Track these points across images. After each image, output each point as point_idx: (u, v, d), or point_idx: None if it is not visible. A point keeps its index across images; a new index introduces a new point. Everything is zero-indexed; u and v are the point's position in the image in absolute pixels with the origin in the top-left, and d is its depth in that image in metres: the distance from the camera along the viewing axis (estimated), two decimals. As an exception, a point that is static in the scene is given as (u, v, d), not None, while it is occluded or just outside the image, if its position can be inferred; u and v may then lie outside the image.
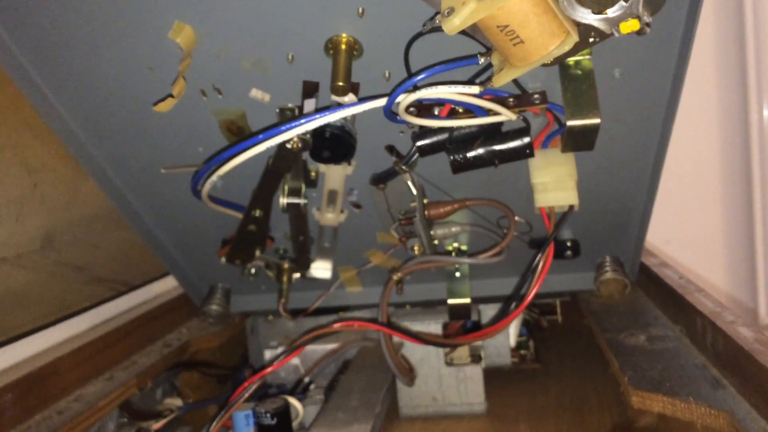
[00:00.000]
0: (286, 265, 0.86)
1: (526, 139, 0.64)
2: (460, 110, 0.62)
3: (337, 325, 0.72)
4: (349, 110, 0.59)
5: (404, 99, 0.57)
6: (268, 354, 0.91)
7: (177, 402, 0.83)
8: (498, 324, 0.72)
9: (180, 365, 0.85)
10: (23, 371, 0.63)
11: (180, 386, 0.86)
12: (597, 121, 0.59)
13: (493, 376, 0.94)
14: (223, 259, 0.80)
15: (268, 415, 0.66)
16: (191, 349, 0.85)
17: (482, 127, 0.64)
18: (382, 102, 0.58)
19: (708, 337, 0.60)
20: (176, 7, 0.58)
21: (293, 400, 0.72)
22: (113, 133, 0.71)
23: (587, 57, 0.60)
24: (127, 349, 0.78)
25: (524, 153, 0.65)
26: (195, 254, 0.87)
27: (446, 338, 0.82)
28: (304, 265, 0.84)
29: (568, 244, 0.79)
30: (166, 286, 0.97)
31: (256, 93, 0.66)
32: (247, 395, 0.68)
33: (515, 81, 0.63)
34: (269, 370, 0.69)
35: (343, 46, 0.61)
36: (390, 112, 0.59)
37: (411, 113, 0.61)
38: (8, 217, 0.76)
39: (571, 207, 0.68)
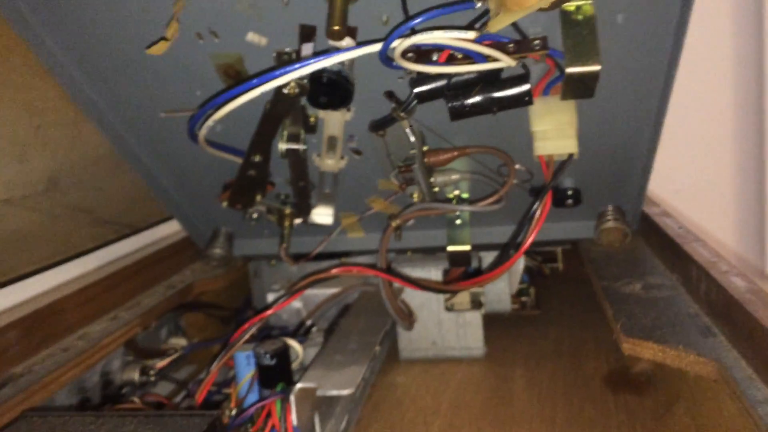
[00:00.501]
0: (287, 211, 0.86)
1: (525, 87, 0.63)
2: (459, 56, 0.61)
3: (335, 270, 0.73)
4: (344, 55, 0.58)
5: (400, 44, 0.57)
6: (270, 297, 0.93)
7: (181, 342, 0.85)
8: (495, 271, 0.73)
9: (184, 306, 0.87)
10: (29, 309, 0.65)
11: (184, 326, 0.88)
12: (597, 68, 0.58)
13: (493, 322, 0.95)
14: (225, 204, 0.81)
15: (268, 355, 0.67)
16: (195, 290, 0.87)
17: (481, 74, 0.63)
18: (377, 47, 0.58)
19: (702, 287, 0.61)
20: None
21: (293, 342, 0.73)
22: (110, 75, 0.71)
23: (589, 2, 0.59)
24: (132, 290, 0.80)
25: (523, 101, 0.64)
26: (197, 198, 0.88)
27: (445, 284, 0.82)
28: (304, 211, 0.84)
29: (569, 192, 0.79)
30: (170, 229, 0.98)
31: (252, 37, 0.65)
32: (247, 336, 0.69)
33: (515, 26, 0.62)
34: (269, 312, 0.71)
35: (341, -12, 0.60)
36: (386, 58, 0.58)
37: (409, 59, 0.60)
38: (12, 159, 0.77)
39: (571, 155, 0.68)
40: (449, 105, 0.65)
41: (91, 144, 0.85)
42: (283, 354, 0.68)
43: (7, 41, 0.72)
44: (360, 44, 0.61)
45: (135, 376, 0.73)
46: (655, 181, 1.23)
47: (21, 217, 0.78)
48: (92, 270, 0.81)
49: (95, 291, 0.73)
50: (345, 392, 0.61)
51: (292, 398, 0.57)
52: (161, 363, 0.76)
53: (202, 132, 0.66)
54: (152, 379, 0.74)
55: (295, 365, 0.74)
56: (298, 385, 0.60)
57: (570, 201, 0.79)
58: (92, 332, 0.69)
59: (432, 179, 0.78)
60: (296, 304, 0.92)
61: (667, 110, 0.70)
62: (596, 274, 0.73)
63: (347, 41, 0.63)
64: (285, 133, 0.74)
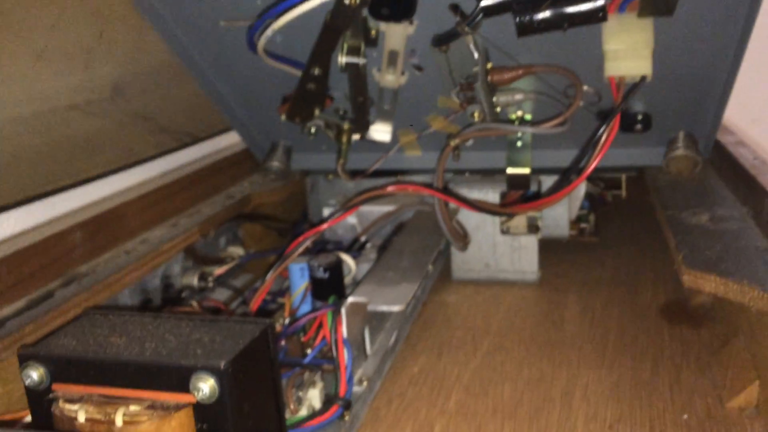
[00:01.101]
0: (345, 126, 0.85)
1: (600, 2, 0.59)
2: (531, -34, 0.58)
3: (391, 188, 0.73)
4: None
5: (468, -50, 0.53)
6: (326, 212, 0.94)
7: (239, 251, 0.87)
8: (554, 195, 0.71)
9: (243, 216, 0.88)
10: (93, 212, 0.67)
11: (242, 236, 0.89)
12: (680, -19, 0.54)
13: (549, 248, 0.93)
14: (283, 117, 0.80)
15: (321, 268, 0.68)
16: (253, 202, 0.88)
17: (554, -15, 0.60)
18: (444, -47, 0.55)
19: (774, 221, 0.58)
20: None
21: (346, 257, 0.74)
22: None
23: None
24: (192, 198, 0.81)
25: (597, 17, 0.60)
26: (257, 110, 0.88)
27: (502, 207, 0.81)
28: (363, 126, 0.83)
29: (639, 117, 0.75)
30: (230, 140, 0.99)
31: (316, -58, 0.63)
32: (301, 249, 0.70)
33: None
34: (324, 226, 0.71)
35: None
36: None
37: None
38: (78, 65, 0.78)
39: (644, 78, 0.64)
40: (517, 20, 0.62)
41: (155, 52, 0.85)
42: (336, 268, 0.69)
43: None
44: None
45: (194, 281, 0.76)
46: (732, 108, 1.17)
47: (86, 123, 0.79)
48: (153, 177, 0.82)
49: (156, 197, 0.75)
50: (395, 308, 0.61)
51: (343, 311, 0.58)
52: (219, 270, 0.78)
53: (261, 42, 0.65)
54: (210, 285, 0.77)
55: (347, 280, 0.75)
56: (350, 299, 0.61)
57: (639, 126, 0.75)
58: (153, 237, 0.71)
59: (494, 98, 0.76)
60: (351, 219, 0.92)
61: (752, 33, 0.65)
62: (661, 203, 0.71)
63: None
64: (345, 46, 0.72)
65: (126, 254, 0.66)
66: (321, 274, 0.68)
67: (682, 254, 0.57)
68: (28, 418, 0.44)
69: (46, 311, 0.52)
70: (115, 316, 0.46)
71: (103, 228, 0.67)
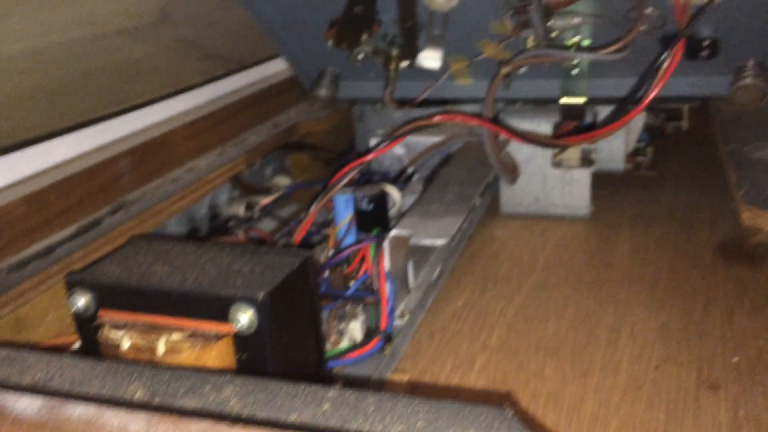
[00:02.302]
0: (394, 52, 0.83)
1: None
2: None
3: (438, 118, 0.71)
4: None
5: None
6: (373, 142, 0.92)
7: (285, 181, 0.87)
8: (609, 126, 0.68)
9: (289, 146, 0.88)
10: (140, 139, 0.67)
11: (289, 166, 0.89)
12: None
13: (603, 181, 0.90)
14: (330, 42, 0.78)
15: (366, 200, 0.68)
16: (300, 131, 0.87)
17: None
18: None
19: None
20: None
21: (391, 188, 0.73)
22: None
23: None
24: (238, 127, 0.81)
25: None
26: (304, 36, 0.86)
27: (554, 139, 0.78)
28: (411, 53, 0.80)
29: (706, 42, 0.70)
30: (277, 67, 0.97)
31: None
32: (346, 180, 0.69)
33: None
34: (369, 157, 0.70)
35: None
36: None
37: None
38: (125, -11, 0.77)
39: (711, 0, 0.59)
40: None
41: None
42: (381, 200, 0.68)
43: None
44: None
45: (240, 210, 0.76)
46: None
47: (133, 48, 0.79)
48: (200, 105, 0.82)
49: (203, 126, 0.75)
50: (438, 242, 0.60)
51: (385, 244, 0.58)
52: (265, 200, 0.78)
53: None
54: (256, 215, 0.77)
55: (393, 212, 0.74)
56: (393, 232, 0.60)
57: (705, 52, 0.71)
58: (199, 166, 0.71)
59: (550, 23, 0.72)
60: (398, 150, 0.91)
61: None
62: (724, 136, 0.67)
63: None
64: (393, -33, 0.69)
65: (172, 182, 0.66)
66: (365, 205, 0.68)
67: (743, 190, 0.54)
68: (78, 343, 0.45)
69: (94, 238, 0.53)
70: (159, 244, 0.47)
71: (149, 155, 0.67)
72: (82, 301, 0.42)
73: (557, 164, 0.83)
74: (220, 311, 0.39)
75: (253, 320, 0.39)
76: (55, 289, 0.49)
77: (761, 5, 0.67)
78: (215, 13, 0.91)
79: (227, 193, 0.76)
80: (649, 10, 0.68)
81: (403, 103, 0.89)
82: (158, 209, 0.61)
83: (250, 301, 0.39)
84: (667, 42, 0.70)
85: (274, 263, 0.43)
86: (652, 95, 0.64)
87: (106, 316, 0.42)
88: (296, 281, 0.43)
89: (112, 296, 0.42)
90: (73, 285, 0.42)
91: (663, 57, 0.62)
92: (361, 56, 0.84)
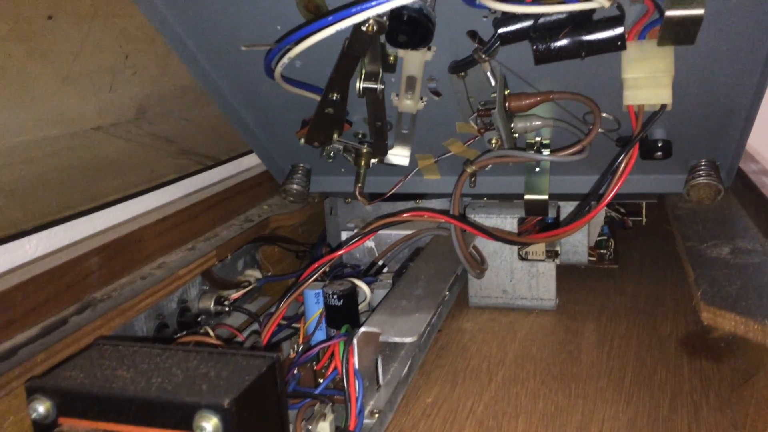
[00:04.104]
0: (364, 150, 0.85)
1: (619, 30, 0.59)
2: (549, -6, 0.57)
3: (406, 215, 0.72)
4: (423, -7, 0.55)
5: (483, -19, 0.53)
6: (344, 235, 0.94)
7: (256, 274, 0.87)
8: (572, 225, 0.70)
9: (261, 239, 0.89)
10: (111, 236, 0.67)
11: (260, 259, 0.90)
12: (700, 12, 0.53)
13: (568, 274, 0.93)
14: (302, 141, 0.81)
15: (335, 296, 0.68)
16: (271, 225, 0.88)
17: (571, 15, 0.59)
18: (459, -16, 0.54)
19: (796, 257, 0.56)
20: None
21: (361, 283, 0.74)
22: (193, 6, 0.70)
23: (698, -63, 0.53)
24: (210, 222, 0.82)
25: (615, 45, 0.60)
26: (277, 133, 0.88)
27: (519, 235, 0.80)
28: (381, 151, 0.83)
29: (659, 144, 0.74)
30: (250, 162, 1.00)
31: (333, -30, 0.63)
32: (315, 276, 0.70)
33: (613, -37, 0.57)
34: (339, 253, 0.71)
35: None
36: (467, -4, 0.55)
37: (494, -4, 0.57)
38: (103, 87, 0.79)
39: (663, 107, 0.63)
40: (534, 48, 0.62)
41: (179, 74, 0.86)
42: (350, 296, 0.69)
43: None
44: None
45: (210, 305, 0.76)
46: (759, 132, 1.14)
47: (109, 145, 0.80)
48: (173, 200, 0.83)
49: (175, 221, 0.76)
50: (407, 340, 0.61)
51: (354, 341, 0.58)
52: (235, 294, 0.78)
53: (278, 69, 0.65)
54: (227, 309, 0.77)
55: (363, 306, 0.75)
56: (362, 329, 0.61)
57: (659, 153, 0.74)
58: (170, 262, 0.71)
59: (512, 125, 0.75)
60: (369, 243, 0.92)
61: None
62: (681, 233, 0.69)
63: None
64: (363, 71, 0.73)
65: (142, 279, 0.66)
66: (335, 301, 0.68)
67: (700, 290, 0.56)
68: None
69: (59, 339, 0.53)
70: (124, 347, 0.47)
71: (120, 253, 0.67)
72: (41, 408, 0.41)
73: (523, 257, 0.85)
74: (185, 419, 0.39)
75: (218, 428, 0.39)
76: (16, 393, 0.48)
77: (710, 110, 0.71)
78: (191, 109, 0.94)
79: (197, 287, 0.76)
80: (605, 115, 0.72)
81: (373, 197, 0.92)
82: (126, 307, 0.61)
83: (215, 408, 0.39)
84: (624, 143, 0.74)
85: (241, 367, 0.43)
86: (610, 196, 0.67)
87: (67, 424, 0.41)
88: (263, 385, 0.43)
89: (73, 403, 0.41)
90: (33, 392, 0.42)
91: (619, 160, 0.66)
92: (332, 153, 0.87)
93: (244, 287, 0.81)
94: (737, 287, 0.56)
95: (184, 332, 0.69)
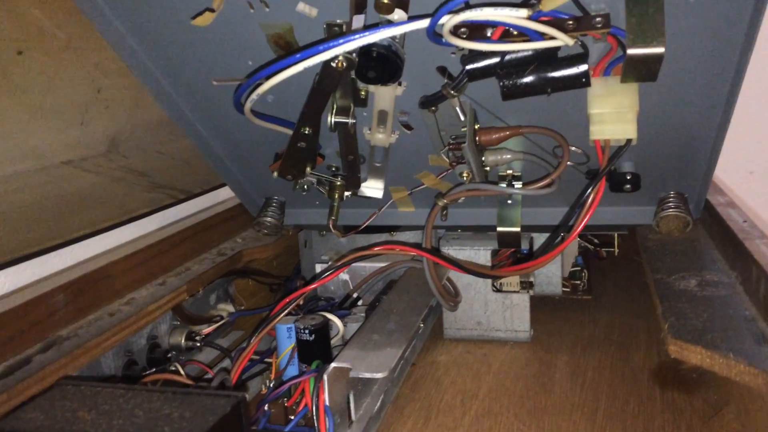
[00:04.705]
0: (338, 182, 0.86)
1: (583, 67, 0.60)
2: (514, 33, 0.58)
3: (378, 248, 0.73)
4: (390, 31, 0.56)
5: (448, 20, 0.54)
6: (318, 268, 0.93)
7: (229, 308, 0.86)
8: (542, 258, 0.71)
9: (234, 273, 0.88)
10: (79, 272, 0.67)
11: (234, 292, 0.89)
12: (661, 50, 0.54)
13: (542, 305, 0.93)
14: (275, 174, 0.81)
15: (307, 331, 0.68)
16: (244, 258, 0.88)
17: (536, 52, 0.60)
18: (424, 23, 0.55)
19: (761, 289, 0.57)
20: None
21: (333, 318, 0.73)
22: (164, 41, 0.71)
23: (657, -23, 0.54)
24: (182, 256, 0.81)
25: (580, 82, 0.61)
26: (251, 166, 0.88)
27: (491, 269, 0.80)
28: (354, 184, 0.83)
29: (628, 177, 0.75)
30: (224, 195, 0.99)
31: (302, 7, 0.64)
32: (287, 311, 0.69)
33: (576, 2, 0.58)
34: (311, 287, 0.71)
35: (392, -40, 0.58)
36: (434, 34, 0.56)
37: (460, 35, 0.58)
38: (74, 121, 0.78)
39: (629, 141, 0.64)
40: (501, 84, 0.63)
41: (153, 107, 0.86)
42: (322, 330, 0.68)
43: (71, 4, 0.73)
44: (409, 19, 0.58)
45: (181, 341, 0.75)
46: (729, 162, 1.17)
47: (80, 179, 0.80)
48: (144, 235, 0.83)
49: (145, 256, 0.75)
50: (378, 375, 0.60)
51: (325, 378, 0.57)
52: (207, 329, 0.78)
53: (247, 105, 0.65)
54: (198, 344, 0.76)
55: (336, 340, 0.74)
56: (332, 365, 0.60)
57: (628, 186, 0.75)
58: (139, 297, 0.71)
59: (483, 158, 0.76)
60: (344, 276, 0.92)
61: (739, 93, 0.65)
62: (650, 265, 0.70)
63: (398, 13, 0.61)
64: (334, 106, 0.73)
65: (110, 316, 0.66)
66: (306, 336, 0.68)
67: (668, 323, 0.57)
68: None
69: (21, 379, 0.51)
70: (87, 388, 0.46)
71: (88, 289, 0.66)
72: (0, 452, 0.40)
73: (498, 289, 0.85)
74: (146, 462, 0.38)
75: (179, 471, 0.38)
76: (-25, 436, 0.47)
77: (676, 143, 0.72)
78: (164, 142, 0.93)
79: (168, 323, 0.75)
80: (573, 148, 0.73)
81: (348, 229, 0.92)
82: (92, 345, 0.60)
83: (177, 451, 0.38)
84: (593, 176, 0.75)
85: (205, 407, 0.43)
86: (579, 229, 0.67)
87: (26, 468, 0.40)
88: (227, 426, 0.42)
89: (33, 447, 0.40)
90: (-8, 435, 0.41)
91: (587, 194, 0.66)
92: (306, 186, 0.87)
93: (216, 322, 0.80)
94: (704, 320, 0.57)
95: (153, 370, 0.68)
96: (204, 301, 0.83)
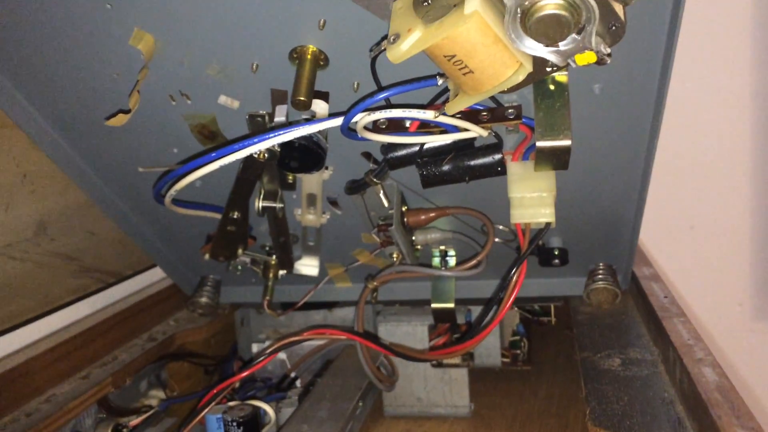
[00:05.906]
0: (272, 262, 0.85)
1: (498, 156, 0.61)
2: (431, 124, 0.59)
3: (307, 334, 0.72)
4: (305, 129, 0.57)
5: (362, 119, 0.55)
6: (255, 348, 0.92)
7: (161, 395, 0.84)
8: (471, 340, 0.71)
9: (167, 356, 0.86)
10: (-5, 373, 0.64)
11: (165, 378, 0.87)
12: (567, 143, 0.56)
13: (483, 376, 0.92)
14: (207, 256, 0.80)
15: (235, 424, 0.66)
16: (177, 342, 0.86)
17: (454, 142, 0.62)
18: (338, 121, 0.56)
19: (677, 372, 0.58)
20: (139, 15, 0.57)
21: (264, 406, 0.72)
22: (87, 133, 0.70)
23: (564, 73, 0.56)
24: (109, 344, 0.79)
25: (496, 170, 0.62)
26: (183, 247, 0.87)
27: (423, 352, 0.80)
28: (287, 264, 0.83)
29: (556, 252, 0.76)
30: (159, 275, 0.98)
31: (224, 100, 0.65)
32: (215, 401, 0.68)
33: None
34: (238, 378, 0.69)
35: (309, 56, 0.59)
36: (348, 130, 0.57)
37: (380, 125, 0.59)
38: (-2, 208, 0.77)
39: (548, 225, 0.65)
40: (421, 173, 0.64)
41: (80, 190, 0.85)
42: (251, 421, 0.67)
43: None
44: (332, 115, 0.59)
45: (107, 435, 0.73)
46: (671, 217, 1.20)
47: (3, 267, 0.77)
48: (69, 324, 0.80)
49: (67, 348, 0.73)
50: (303, 474, 0.59)
51: (247, 479, 0.56)
52: (135, 421, 0.75)
53: (167, 200, 0.65)
54: (125, 438, 0.73)
55: (269, 428, 0.73)
56: (256, 465, 0.59)
57: (556, 261, 0.76)
58: (60, 393, 0.68)
59: (413, 237, 0.76)
60: (281, 355, 0.91)
61: (651, 174, 0.68)
62: (579, 341, 0.71)
63: (319, 105, 0.62)
64: (262, 191, 0.73)
65: (27, 416, 0.63)
66: (235, 429, 0.66)
67: (589, 408, 0.57)
68: None
69: None
70: None
71: (4, 389, 0.64)
72: None
73: (437, 364, 0.85)
74: None
75: None
76: None
77: (599, 220, 0.74)
78: (96, 222, 0.92)
79: (93, 416, 0.73)
80: (501, 227, 0.74)
81: (285, 306, 0.91)
82: (5, 452, 0.57)
83: None
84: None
85: None
86: (506, 307, 0.68)
87: None
88: None
89: None
90: None
91: (511, 274, 0.67)
92: (240, 267, 0.86)
93: (145, 412, 0.77)
94: (624, 404, 0.57)
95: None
96: (133, 389, 0.81)
